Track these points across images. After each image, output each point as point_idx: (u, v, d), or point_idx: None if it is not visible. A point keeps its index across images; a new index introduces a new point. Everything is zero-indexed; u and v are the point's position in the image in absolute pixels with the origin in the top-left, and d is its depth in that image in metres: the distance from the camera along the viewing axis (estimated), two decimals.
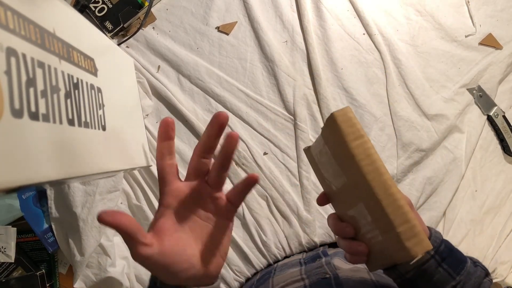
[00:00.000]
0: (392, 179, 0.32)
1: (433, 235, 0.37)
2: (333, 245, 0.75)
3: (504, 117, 0.83)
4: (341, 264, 0.53)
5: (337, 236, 0.38)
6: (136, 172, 0.75)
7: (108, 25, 0.75)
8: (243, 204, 0.75)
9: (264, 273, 0.66)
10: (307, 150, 0.41)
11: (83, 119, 0.39)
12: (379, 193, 0.30)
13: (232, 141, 0.31)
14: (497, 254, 0.80)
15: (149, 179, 0.75)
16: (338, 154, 0.33)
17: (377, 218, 0.31)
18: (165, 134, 0.33)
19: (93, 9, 0.74)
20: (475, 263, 0.41)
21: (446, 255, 0.37)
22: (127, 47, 0.79)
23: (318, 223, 0.75)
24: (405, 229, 0.29)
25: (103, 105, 0.46)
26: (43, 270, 0.71)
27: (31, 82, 0.29)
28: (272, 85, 0.80)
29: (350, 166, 0.31)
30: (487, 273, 0.40)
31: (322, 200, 0.40)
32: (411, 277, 0.36)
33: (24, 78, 0.28)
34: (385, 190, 0.30)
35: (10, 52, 0.27)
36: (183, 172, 0.76)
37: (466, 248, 0.79)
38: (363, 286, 0.44)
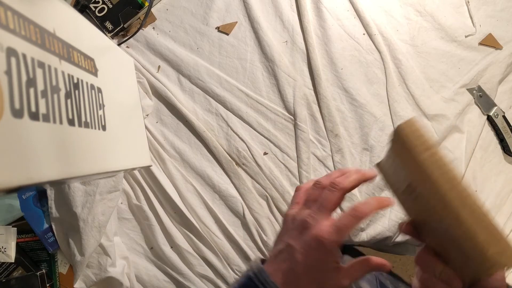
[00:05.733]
0: (467, 187, 0.29)
1: None
2: None
3: (504, 117, 0.83)
4: None
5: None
6: (136, 172, 0.75)
7: (108, 25, 0.75)
8: (243, 204, 0.75)
9: None
10: (378, 165, 0.39)
11: (83, 119, 0.39)
12: (459, 210, 0.27)
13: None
14: None
15: (149, 179, 0.75)
16: (408, 168, 0.31)
17: (460, 236, 0.28)
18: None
19: (93, 9, 0.74)
20: None
21: None
22: (127, 47, 0.79)
23: None
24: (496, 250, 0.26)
25: (103, 105, 0.46)
26: (43, 270, 0.71)
27: (31, 82, 0.29)
28: (272, 85, 0.80)
29: (423, 180, 0.29)
30: None
31: (408, 228, 0.34)
32: None
33: (24, 78, 0.28)
34: (463, 204, 0.27)
35: (10, 52, 0.27)
36: (182, 170, 0.77)
37: None
38: None
